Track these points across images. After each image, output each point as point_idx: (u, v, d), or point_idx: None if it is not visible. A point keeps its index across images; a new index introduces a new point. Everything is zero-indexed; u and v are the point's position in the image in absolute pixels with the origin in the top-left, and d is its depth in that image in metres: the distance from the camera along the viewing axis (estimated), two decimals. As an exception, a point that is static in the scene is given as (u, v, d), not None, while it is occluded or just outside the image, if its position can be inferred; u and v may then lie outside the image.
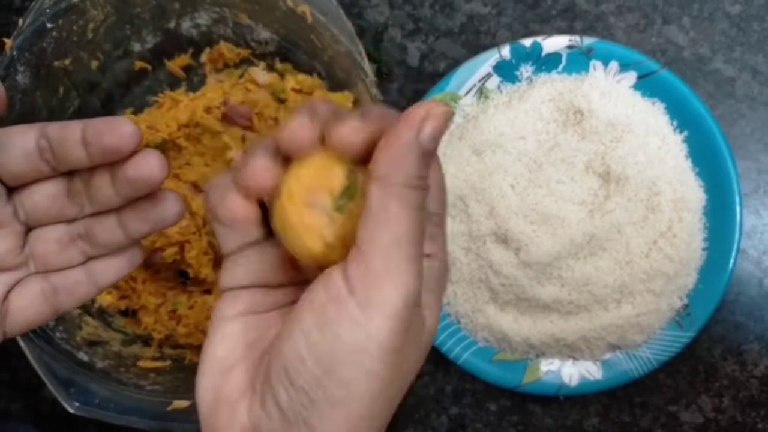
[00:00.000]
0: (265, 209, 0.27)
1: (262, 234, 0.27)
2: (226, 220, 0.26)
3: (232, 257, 0.27)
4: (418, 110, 0.24)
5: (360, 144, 0.25)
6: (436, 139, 0.24)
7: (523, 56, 0.46)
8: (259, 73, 0.46)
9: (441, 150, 0.46)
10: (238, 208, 0.26)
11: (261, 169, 0.25)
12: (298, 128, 0.25)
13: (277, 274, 0.27)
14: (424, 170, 0.24)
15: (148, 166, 0.27)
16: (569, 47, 0.46)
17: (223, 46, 0.47)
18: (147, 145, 0.44)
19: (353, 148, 0.25)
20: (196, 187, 0.45)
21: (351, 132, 0.25)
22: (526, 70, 0.46)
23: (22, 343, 0.41)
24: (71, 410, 0.41)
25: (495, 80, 0.46)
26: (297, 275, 0.28)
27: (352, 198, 0.25)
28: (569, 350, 0.46)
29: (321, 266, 0.25)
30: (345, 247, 0.24)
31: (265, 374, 0.25)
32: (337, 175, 0.24)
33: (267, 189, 0.25)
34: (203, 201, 0.44)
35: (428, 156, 0.24)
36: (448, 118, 0.24)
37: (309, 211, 0.24)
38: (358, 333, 0.23)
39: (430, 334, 0.27)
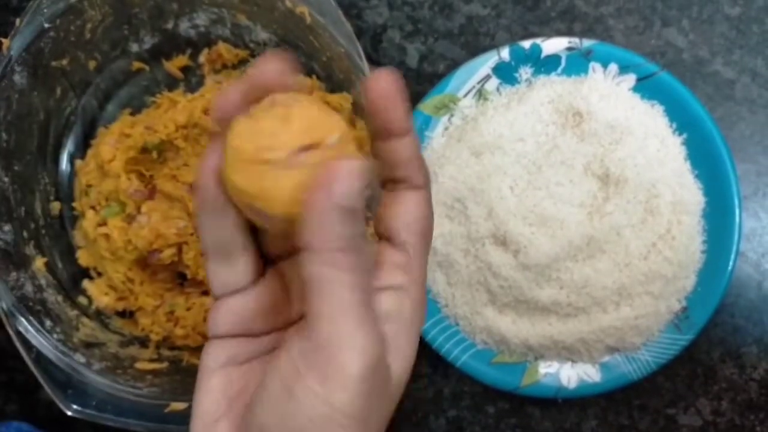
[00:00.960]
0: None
1: (245, 272, 0.27)
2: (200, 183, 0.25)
3: (217, 304, 0.28)
4: (326, 174, 0.23)
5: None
6: (354, 195, 0.23)
7: (522, 58, 0.46)
8: (258, 74, 0.46)
9: (440, 152, 0.46)
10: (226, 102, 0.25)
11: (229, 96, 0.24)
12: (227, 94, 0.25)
13: (258, 323, 0.27)
14: (353, 229, 0.23)
15: None
16: (568, 49, 0.46)
17: (222, 47, 0.47)
18: (145, 147, 0.44)
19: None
20: (194, 188, 0.44)
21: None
22: (525, 71, 0.46)
23: (18, 345, 0.41)
24: (68, 412, 0.40)
25: (494, 82, 0.46)
26: (277, 320, 0.28)
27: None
28: (568, 352, 0.46)
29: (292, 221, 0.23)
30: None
31: (246, 429, 0.25)
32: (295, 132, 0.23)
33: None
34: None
35: (354, 214, 0.23)
36: (362, 170, 0.23)
37: (259, 170, 0.23)
38: (322, 407, 0.23)
39: (401, 381, 0.26)
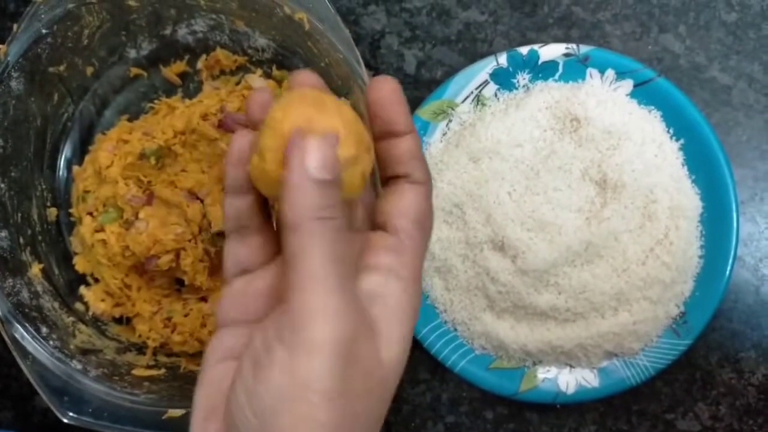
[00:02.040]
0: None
1: (257, 248, 0.28)
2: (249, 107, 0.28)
3: (227, 287, 0.28)
4: (294, 148, 0.23)
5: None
6: (327, 167, 0.23)
7: (519, 64, 0.46)
8: (256, 80, 0.46)
9: (438, 157, 0.46)
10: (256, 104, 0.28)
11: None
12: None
13: (260, 306, 0.27)
14: (329, 200, 0.23)
15: None
16: (566, 55, 0.46)
17: (220, 53, 0.47)
18: (143, 153, 0.44)
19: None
20: (192, 194, 0.44)
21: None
22: (522, 77, 0.46)
23: (14, 352, 0.41)
24: (64, 420, 0.40)
25: (492, 88, 0.46)
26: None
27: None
28: (566, 358, 0.46)
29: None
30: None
31: (225, 425, 0.25)
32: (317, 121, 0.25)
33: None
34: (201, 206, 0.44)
35: (329, 185, 0.23)
36: (330, 143, 0.24)
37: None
38: (287, 378, 0.22)
39: (392, 370, 0.25)
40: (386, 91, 0.27)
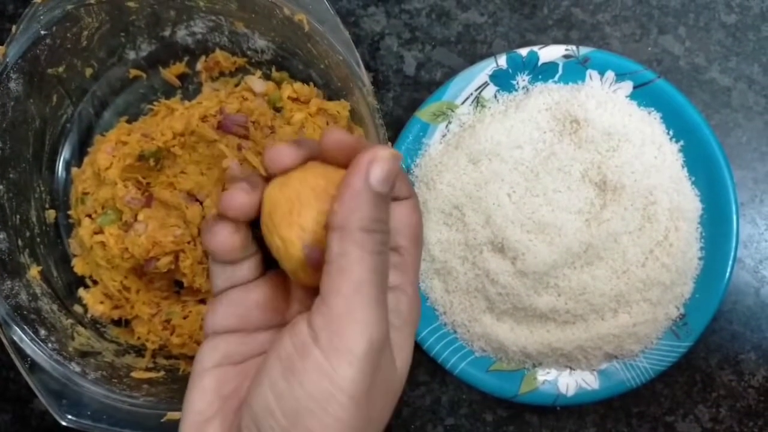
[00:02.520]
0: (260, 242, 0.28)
1: (249, 270, 0.28)
2: (216, 249, 0.28)
3: (218, 297, 0.28)
4: (364, 157, 0.25)
5: (345, 151, 0.26)
6: (387, 181, 0.24)
7: (519, 65, 0.46)
8: (256, 81, 0.46)
9: (438, 159, 0.46)
10: (226, 238, 0.27)
11: (238, 197, 0.27)
12: (284, 149, 0.27)
13: (257, 316, 0.28)
14: (381, 213, 0.24)
15: None
16: (565, 57, 0.46)
17: (219, 55, 0.47)
18: (142, 154, 0.44)
19: (342, 156, 0.26)
20: (191, 196, 0.44)
21: (340, 135, 0.26)
22: (522, 79, 0.46)
23: (12, 354, 0.41)
24: (63, 422, 0.40)
25: (491, 89, 0.46)
26: (275, 317, 0.28)
27: None
28: (566, 360, 0.45)
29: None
30: None
31: (237, 427, 0.25)
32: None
33: (249, 212, 0.27)
34: (199, 210, 0.44)
35: (382, 199, 0.25)
36: (396, 159, 0.25)
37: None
38: (323, 381, 0.23)
39: (402, 377, 0.27)
40: (335, 138, 0.27)
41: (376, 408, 0.25)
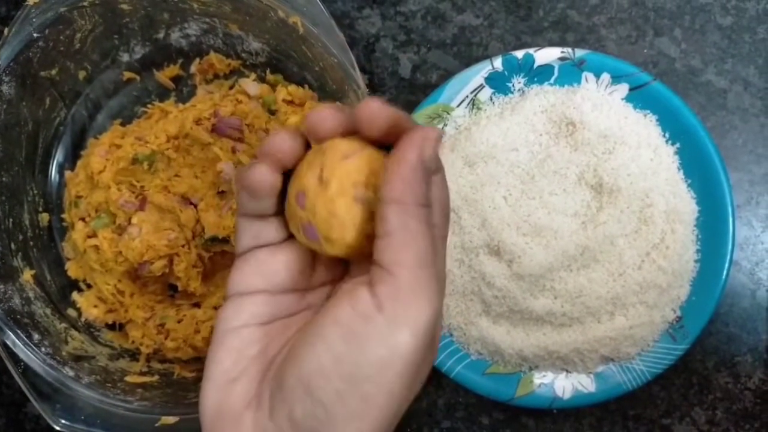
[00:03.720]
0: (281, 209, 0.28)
1: (276, 230, 0.28)
2: (252, 184, 0.27)
3: (244, 257, 0.28)
4: (417, 134, 0.25)
5: (383, 124, 0.26)
6: (436, 159, 0.25)
7: (515, 68, 0.46)
8: (250, 84, 0.46)
9: (433, 161, 0.46)
10: (263, 175, 0.27)
11: (282, 140, 0.27)
12: (327, 114, 0.27)
13: (284, 278, 0.28)
14: (429, 189, 0.25)
15: None
16: (561, 59, 0.46)
17: (213, 57, 0.47)
18: (135, 158, 0.44)
19: (376, 127, 0.26)
20: (186, 199, 0.44)
21: (377, 108, 0.26)
22: (518, 81, 0.46)
23: (5, 359, 0.41)
24: (56, 427, 0.40)
25: (487, 92, 0.46)
26: (301, 281, 0.29)
27: None
28: (562, 363, 0.45)
29: (349, 257, 0.27)
30: (370, 239, 0.26)
31: (276, 387, 0.26)
32: (378, 171, 0.26)
33: (288, 159, 0.27)
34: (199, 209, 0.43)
35: (430, 175, 0.25)
36: (441, 138, 0.26)
37: (355, 205, 0.26)
38: (385, 348, 0.24)
39: (432, 361, 0.27)
40: (373, 108, 0.27)
41: (418, 381, 0.26)
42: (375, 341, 0.24)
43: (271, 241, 0.28)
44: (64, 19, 0.42)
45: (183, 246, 0.44)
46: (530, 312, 0.44)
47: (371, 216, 0.26)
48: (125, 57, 0.47)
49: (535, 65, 0.46)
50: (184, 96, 0.48)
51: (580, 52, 0.45)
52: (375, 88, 0.49)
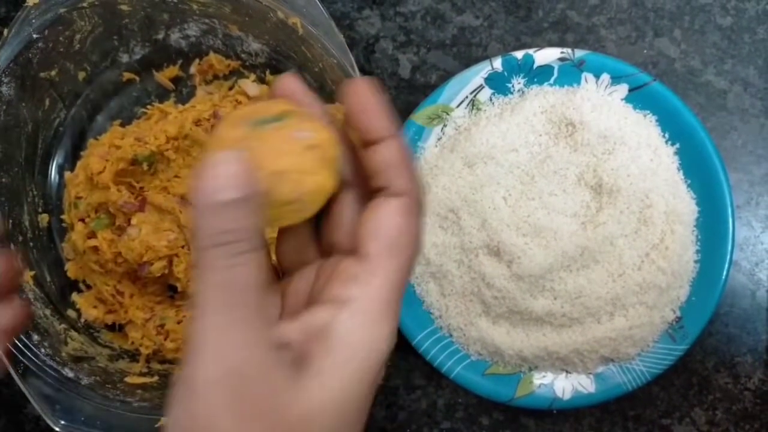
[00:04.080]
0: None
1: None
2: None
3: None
4: (201, 167, 0.22)
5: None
6: (227, 187, 0.21)
7: (514, 68, 0.46)
8: (250, 84, 0.46)
9: (433, 162, 0.46)
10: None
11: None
12: (293, 78, 0.26)
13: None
14: (233, 222, 0.22)
15: None
16: (561, 60, 0.46)
17: (213, 58, 0.47)
18: (135, 158, 0.44)
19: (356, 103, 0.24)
20: (185, 200, 0.44)
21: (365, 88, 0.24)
22: (517, 82, 0.46)
23: (5, 359, 0.41)
24: (56, 428, 0.40)
25: (487, 92, 0.46)
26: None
27: (279, 121, 0.24)
28: (562, 363, 0.45)
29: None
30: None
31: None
32: (270, 108, 0.24)
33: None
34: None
35: (231, 206, 0.21)
36: (236, 159, 0.22)
37: (233, 129, 0.24)
38: (184, 414, 0.23)
39: (321, 413, 0.23)
40: (358, 96, 0.24)
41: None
42: (178, 408, 0.23)
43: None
44: (64, 20, 0.42)
45: (183, 247, 0.44)
46: (530, 312, 0.44)
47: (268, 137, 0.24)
48: (125, 58, 0.47)
49: (535, 66, 0.46)
50: (183, 97, 0.48)
51: (579, 53, 0.45)
52: (375, 88, 0.49)
